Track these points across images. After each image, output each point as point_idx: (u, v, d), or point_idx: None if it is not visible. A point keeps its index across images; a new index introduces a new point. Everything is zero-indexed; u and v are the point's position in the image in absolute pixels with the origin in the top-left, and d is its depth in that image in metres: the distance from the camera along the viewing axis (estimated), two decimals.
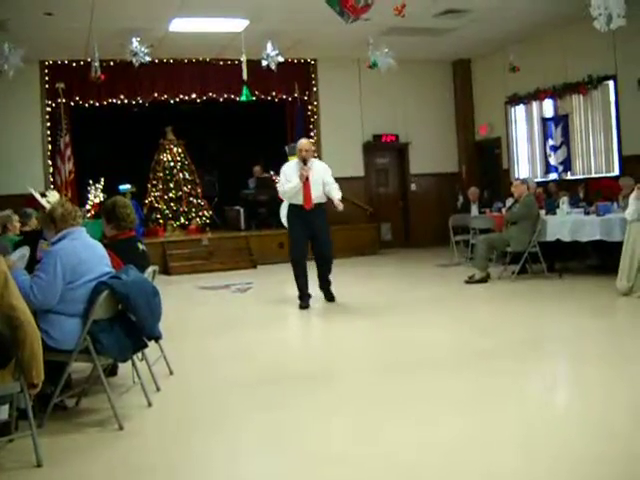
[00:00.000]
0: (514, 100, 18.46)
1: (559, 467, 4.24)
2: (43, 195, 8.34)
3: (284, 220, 11.19)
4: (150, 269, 6.55)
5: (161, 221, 18.57)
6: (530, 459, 4.38)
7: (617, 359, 6.89)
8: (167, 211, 18.68)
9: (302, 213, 10.52)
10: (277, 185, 11.20)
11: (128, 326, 5.63)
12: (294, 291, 11.06)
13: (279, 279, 13.92)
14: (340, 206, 10.53)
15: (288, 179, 10.53)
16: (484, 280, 12.04)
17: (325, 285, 11.06)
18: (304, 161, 10.52)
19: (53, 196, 7.70)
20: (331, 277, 11.14)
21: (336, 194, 10.58)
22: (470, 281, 12.05)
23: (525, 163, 18.53)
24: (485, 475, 4.19)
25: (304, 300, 10.79)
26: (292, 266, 10.83)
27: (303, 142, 10.89)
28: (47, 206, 6.58)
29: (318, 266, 10.93)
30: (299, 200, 10.50)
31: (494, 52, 18.39)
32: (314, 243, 10.81)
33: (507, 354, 7.18)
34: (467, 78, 20.37)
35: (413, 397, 5.85)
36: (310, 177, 10.44)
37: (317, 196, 10.55)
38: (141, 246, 7.11)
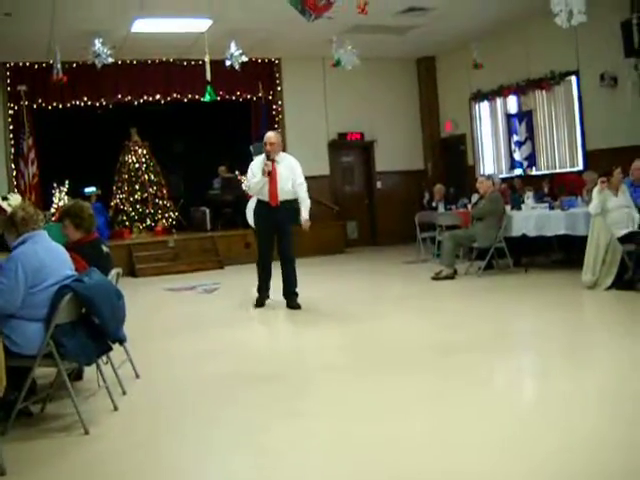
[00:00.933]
0: (478, 97, 18.55)
1: (528, 461, 4.24)
2: (4, 198, 8.25)
3: (250, 219, 11.03)
4: (114, 271, 6.49)
5: (127, 223, 18.48)
6: (498, 453, 4.39)
7: (583, 351, 6.97)
8: (133, 213, 18.59)
9: (268, 209, 10.28)
10: (247, 180, 10.92)
11: (92, 329, 5.57)
12: None
13: (246, 279, 13.83)
14: (306, 225, 10.46)
15: (254, 174, 10.29)
16: (451, 276, 12.08)
17: (289, 290, 10.56)
18: (267, 155, 10.28)
19: (15, 199, 7.61)
20: (298, 275, 10.76)
21: (304, 207, 10.44)
22: (437, 277, 12.08)
23: (490, 159, 18.61)
24: (451, 472, 4.18)
25: (262, 298, 10.70)
26: (257, 263, 10.74)
27: (269, 134, 10.63)
28: (8, 209, 6.50)
29: (281, 266, 10.60)
30: (265, 196, 10.25)
31: (458, 49, 18.44)
32: (278, 241, 10.53)
33: (475, 348, 7.20)
34: (431, 75, 20.44)
35: (381, 393, 5.84)
36: (277, 172, 10.24)
37: (284, 192, 10.29)
38: (105, 248, 7.05)
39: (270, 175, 10.14)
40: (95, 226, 7.01)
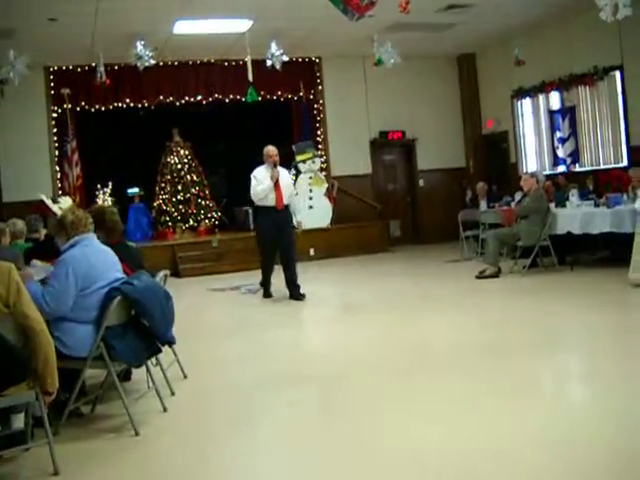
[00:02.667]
0: (520, 93, 18.40)
1: (576, 464, 4.20)
2: (55, 201, 8.33)
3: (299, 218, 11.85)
4: (161, 273, 6.53)
5: (170, 224, 18.55)
6: (545, 456, 4.35)
7: (631, 352, 6.86)
8: (176, 213, 18.66)
9: (273, 214, 11.30)
10: (251, 188, 11.59)
11: (141, 331, 5.62)
12: (306, 290, 11.61)
13: None
14: (300, 228, 11.76)
15: (259, 182, 11.33)
16: (495, 275, 12.00)
17: (289, 283, 11.61)
18: (275, 165, 11.38)
19: (65, 202, 7.67)
20: (340, 275, 12.28)
21: (297, 211, 11.75)
22: (481, 276, 12.01)
23: (533, 156, 18.46)
24: (501, 474, 4.16)
25: (267, 291, 11.92)
26: (261, 261, 11.97)
27: (271, 148, 11.58)
28: (58, 212, 6.55)
29: (283, 265, 11.58)
30: (270, 201, 11.29)
31: (498, 46, 18.34)
32: (280, 243, 11.44)
33: (521, 349, 7.13)
34: (472, 72, 20.32)
35: (427, 395, 5.82)
36: (280, 180, 11.36)
37: (286, 197, 11.42)
38: (132, 244, 7.14)
39: (276, 182, 11.30)
40: (119, 228, 7.01)
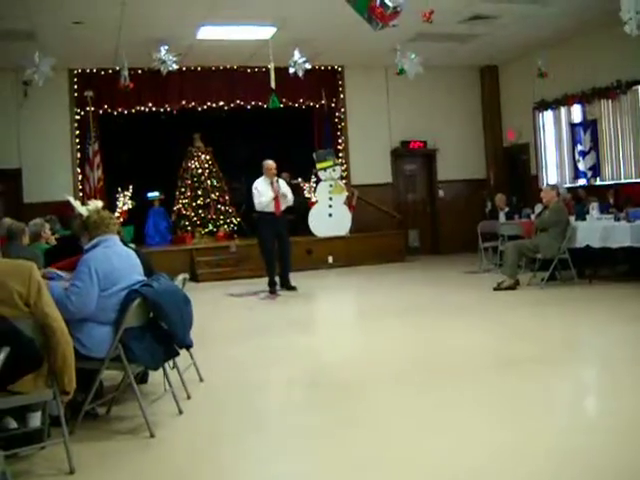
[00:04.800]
0: (542, 106, 18.35)
1: (595, 476, 4.19)
2: (84, 203, 8.39)
3: (313, 226, 14.07)
4: (181, 277, 6.57)
5: (189, 228, 18.59)
6: (564, 467, 4.34)
7: None
8: (195, 218, 18.70)
9: (273, 219, 13.10)
10: (254, 198, 13.33)
11: (160, 334, 5.64)
12: (323, 297, 11.92)
13: (308, 285, 13.93)
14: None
15: (262, 193, 13.10)
16: (513, 287, 11.97)
17: (285, 277, 13.47)
18: (278, 176, 13.49)
19: (95, 205, 7.74)
20: (357, 283, 13.57)
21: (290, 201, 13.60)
22: (499, 288, 11.98)
23: (553, 169, 18.41)
24: None
25: (273, 287, 13.19)
26: (265, 260, 13.37)
27: (270, 162, 13.36)
28: (85, 213, 6.61)
29: (280, 261, 13.31)
30: (271, 208, 13.08)
31: (522, 57, 18.32)
32: (279, 243, 13.24)
33: (536, 361, 7.10)
34: (495, 84, 20.31)
35: (444, 405, 5.81)
36: (279, 191, 13.16)
37: (283, 204, 13.26)
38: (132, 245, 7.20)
39: (277, 193, 13.10)
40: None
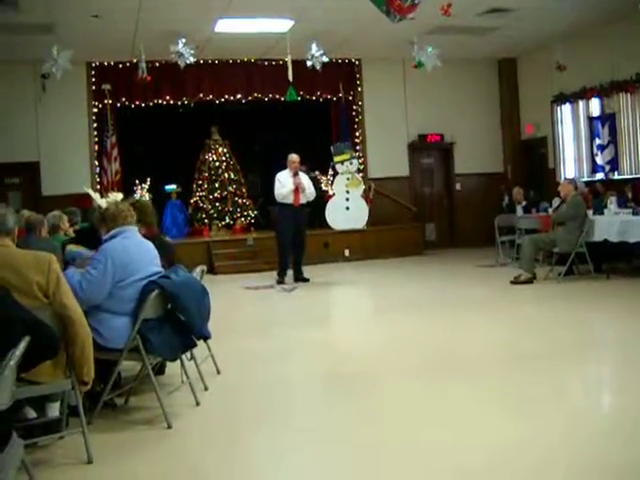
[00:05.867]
0: (560, 99, 18.26)
1: (605, 473, 4.20)
2: (103, 196, 8.44)
3: (330, 219, 14.40)
4: (198, 268, 6.60)
5: (206, 221, 18.64)
6: (573, 462, 4.35)
7: None
8: (212, 211, 18.75)
9: (292, 210, 13.45)
10: (275, 189, 13.66)
11: (177, 325, 5.66)
12: (340, 290, 12.25)
13: (324, 279, 13.96)
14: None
15: (283, 185, 13.45)
16: (530, 281, 11.94)
17: (298, 268, 13.80)
18: (296, 171, 13.53)
19: (114, 197, 7.79)
20: (374, 276, 14.25)
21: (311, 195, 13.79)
22: (516, 282, 11.96)
23: (571, 162, 18.32)
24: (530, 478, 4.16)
25: (282, 277, 13.65)
26: (280, 250, 13.76)
27: (294, 156, 13.73)
28: (104, 205, 6.67)
29: (295, 248, 13.63)
30: (290, 200, 13.43)
31: (540, 50, 18.23)
32: (296, 234, 13.53)
33: (553, 356, 7.10)
34: (512, 77, 20.22)
35: (457, 399, 5.82)
36: (300, 183, 13.48)
37: (303, 197, 13.57)
38: (168, 239, 7.27)
39: (297, 185, 13.44)
40: (155, 222, 7.13)
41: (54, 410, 5.19)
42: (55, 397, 5.14)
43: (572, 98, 17.86)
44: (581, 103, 17.75)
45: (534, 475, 4.19)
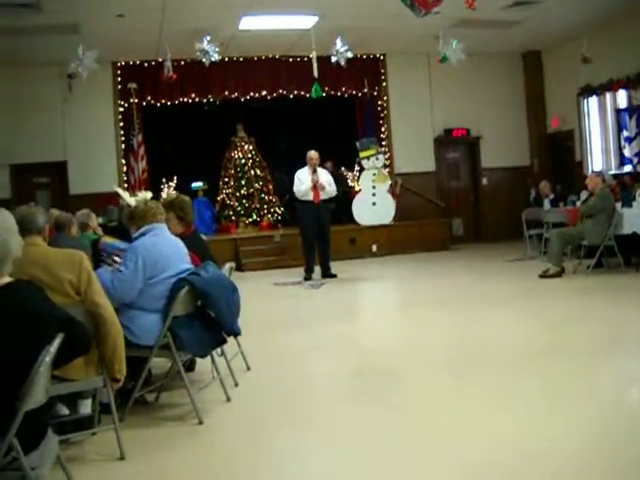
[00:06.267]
0: (587, 91, 18.14)
1: (633, 469, 4.17)
2: (132, 194, 8.48)
3: (357, 215, 14.79)
4: (227, 265, 6.62)
5: (233, 218, 18.68)
6: (602, 460, 4.33)
7: None
8: (239, 208, 18.77)
9: (312, 206, 13.48)
10: (294, 186, 13.79)
11: (208, 322, 5.69)
12: (367, 286, 12.50)
13: (351, 275, 13.97)
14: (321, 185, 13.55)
15: (302, 182, 13.53)
16: (559, 274, 11.88)
17: (325, 264, 13.80)
18: (314, 168, 13.61)
19: (143, 196, 7.82)
20: (401, 271, 14.44)
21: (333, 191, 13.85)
22: (544, 275, 11.90)
23: (599, 155, 18.19)
24: (557, 476, 4.13)
25: (309, 274, 13.65)
26: (304, 247, 13.86)
27: (313, 153, 13.78)
28: (133, 204, 6.70)
29: (320, 245, 13.65)
30: (310, 197, 13.47)
31: (565, 43, 18.09)
32: (319, 231, 13.54)
33: (582, 350, 7.06)
34: (538, 70, 20.11)
35: (485, 394, 5.81)
36: (319, 179, 13.53)
37: (323, 193, 13.57)
38: (203, 237, 7.31)
39: (316, 182, 13.47)
40: (194, 220, 7.17)
41: (86, 407, 5.23)
42: (87, 394, 5.18)
43: (599, 90, 17.73)
44: (608, 95, 17.61)
45: (566, 474, 4.17)
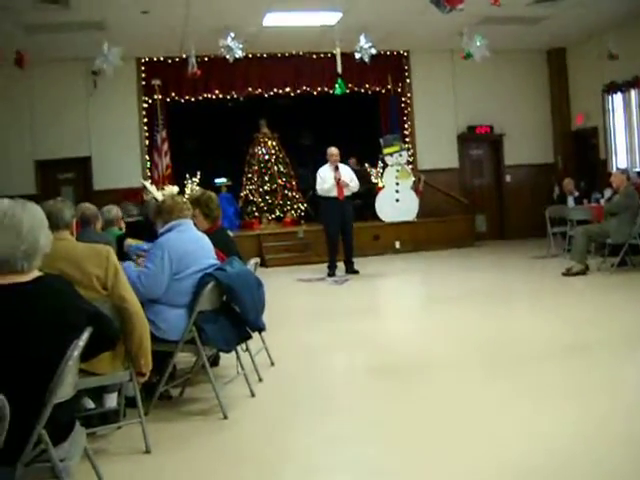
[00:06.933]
0: (612, 88, 18.03)
1: None
2: (160, 189, 8.54)
3: (380, 211, 14.90)
4: (252, 261, 6.65)
5: (256, 214, 18.72)
6: (631, 455, 4.32)
7: None
8: (262, 204, 18.81)
9: (337, 203, 13.45)
10: (316, 184, 13.83)
11: (233, 317, 5.71)
12: (391, 282, 12.58)
13: (375, 271, 13.98)
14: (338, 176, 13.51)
15: (324, 180, 13.55)
16: (583, 272, 11.83)
17: (349, 260, 13.81)
18: (336, 166, 13.60)
19: (170, 190, 7.88)
20: (424, 268, 14.53)
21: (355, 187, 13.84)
22: (568, 273, 11.86)
23: (623, 152, 18.09)
24: (591, 472, 4.13)
25: (332, 270, 13.66)
26: (328, 244, 13.77)
27: (333, 150, 13.75)
28: (160, 198, 6.74)
29: (344, 241, 13.68)
30: (334, 193, 13.45)
31: (590, 39, 18.01)
32: (343, 227, 13.56)
33: (606, 348, 7.03)
34: (562, 67, 20.01)
35: (511, 391, 5.80)
36: (342, 177, 13.51)
37: (347, 189, 13.54)
38: (230, 234, 7.36)
39: (338, 180, 13.45)
40: (220, 216, 7.19)
41: (112, 401, 5.27)
42: (113, 388, 5.23)
43: (624, 87, 17.62)
44: (633, 92, 17.50)
45: (596, 470, 4.17)
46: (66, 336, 3.26)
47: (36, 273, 3.33)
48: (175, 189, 7.74)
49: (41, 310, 3.22)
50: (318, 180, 13.69)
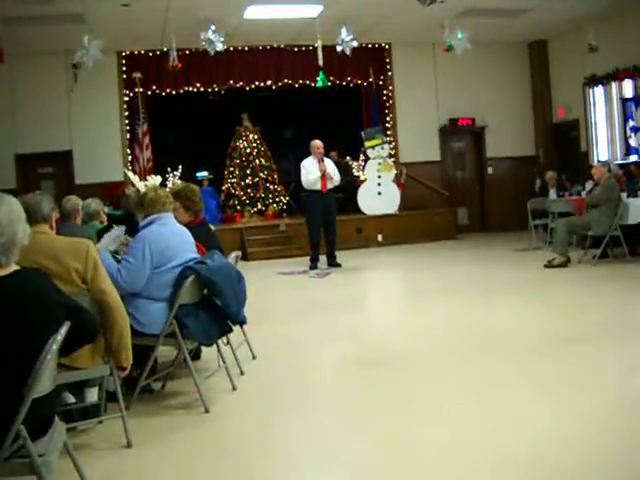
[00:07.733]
0: (592, 81, 18.08)
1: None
2: (143, 179, 8.48)
3: (362, 204, 14.47)
4: (233, 254, 6.62)
5: (238, 207, 18.69)
6: (611, 448, 4.33)
7: None
8: (244, 197, 18.79)
9: (320, 196, 13.39)
10: (301, 175, 13.71)
11: (214, 311, 5.70)
12: (373, 275, 12.65)
13: (357, 264, 13.97)
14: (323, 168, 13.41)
15: (309, 171, 13.43)
16: (564, 264, 11.86)
17: (331, 253, 13.76)
18: (321, 158, 13.47)
19: (153, 181, 7.81)
20: (407, 261, 14.44)
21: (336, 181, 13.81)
22: (550, 265, 11.89)
23: (604, 145, 18.16)
24: (569, 465, 4.12)
25: (314, 263, 13.66)
26: (311, 237, 13.73)
27: (317, 142, 13.65)
28: (142, 189, 6.69)
29: (326, 234, 13.65)
30: (318, 186, 13.36)
31: (571, 32, 18.03)
32: (326, 220, 13.51)
33: (587, 339, 7.04)
34: (544, 59, 20.05)
35: (493, 382, 5.80)
36: (326, 169, 13.42)
37: (330, 182, 13.49)
38: (212, 227, 7.32)
39: (324, 172, 13.34)
40: (203, 209, 7.14)
41: (92, 395, 5.24)
42: (93, 382, 5.20)
43: (604, 80, 17.69)
44: (614, 85, 17.58)
45: (583, 460, 4.18)
46: (44, 330, 3.23)
47: (14, 267, 3.30)
48: (158, 179, 7.69)
49: (19, 304, 3.20)
50: (302, 171, 13.61)
